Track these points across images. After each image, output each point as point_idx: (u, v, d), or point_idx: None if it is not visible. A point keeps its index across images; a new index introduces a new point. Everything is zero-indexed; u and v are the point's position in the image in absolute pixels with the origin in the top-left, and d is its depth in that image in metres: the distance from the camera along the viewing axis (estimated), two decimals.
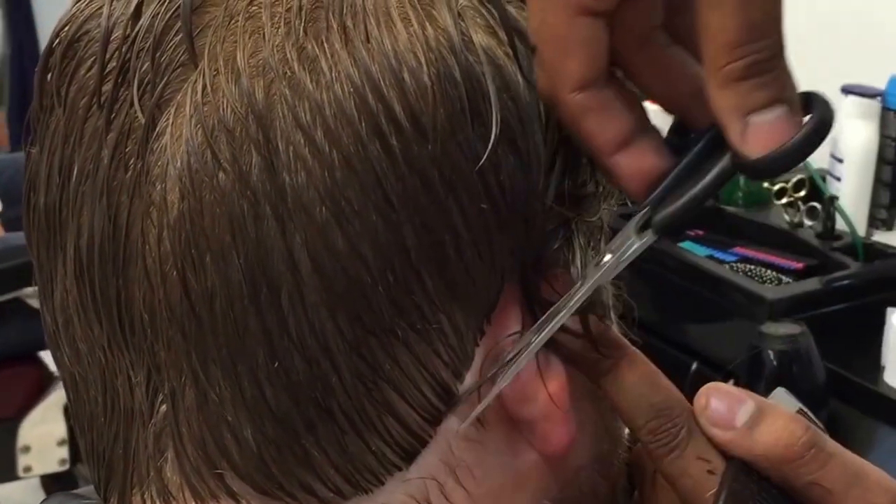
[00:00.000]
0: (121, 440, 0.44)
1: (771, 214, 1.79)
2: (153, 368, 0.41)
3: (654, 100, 0.42)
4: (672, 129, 0.43)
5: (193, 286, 0.39)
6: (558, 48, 0.39)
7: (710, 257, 1.70)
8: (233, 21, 0.40)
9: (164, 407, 0.42)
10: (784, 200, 1.77)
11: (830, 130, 0.38)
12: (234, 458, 0.41)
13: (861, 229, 1.69)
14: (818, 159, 1.76)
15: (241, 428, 0.40)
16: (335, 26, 0.39)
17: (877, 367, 1.48)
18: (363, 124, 0.38)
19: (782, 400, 0.46)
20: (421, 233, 0.39)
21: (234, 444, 0.41)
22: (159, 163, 0.40)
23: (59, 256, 0.43)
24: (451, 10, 0.40)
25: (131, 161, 0.40)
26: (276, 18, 0.39)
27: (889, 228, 1.74)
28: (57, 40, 0.44)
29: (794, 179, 1.77)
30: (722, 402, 0.43)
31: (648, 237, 0.41)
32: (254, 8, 0.40)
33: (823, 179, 1.74)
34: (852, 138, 1.71)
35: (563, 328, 0.42)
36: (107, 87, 0.41)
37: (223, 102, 0.39)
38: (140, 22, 0.41)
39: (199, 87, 0.39)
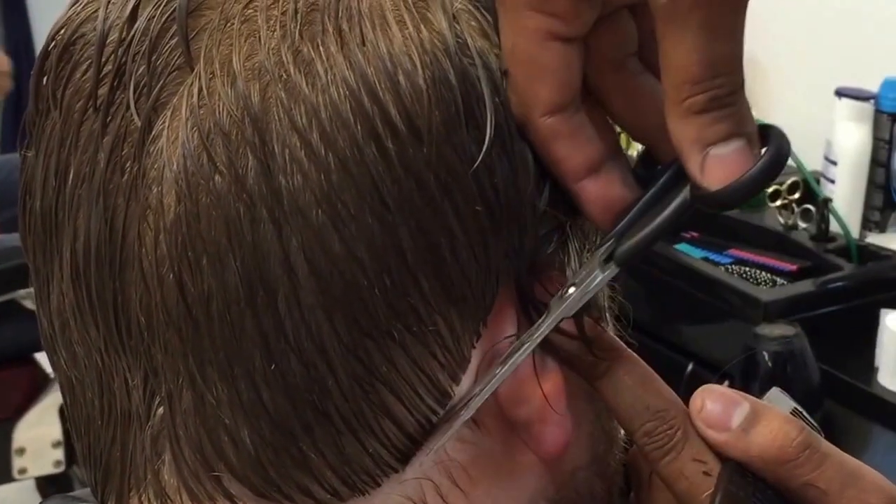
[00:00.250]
0: (118, 443, 0.44)
1: (765, 217, 1.79)
2: (150, 371, 0.41)
3: (624, 128, 0.43)
4: (640, 159, 0.43)
5: (190, 289, 0.39)
6: (529, 73, 0.40)
7: (706, 259, 1.70)
8: (228, 24, 0.40)
9: (161, 410, 0.42)
10: (778, 203, 1.77)
11: (786, 163, 0.39)
12: (232, 461, 0.41)
13: (855, 231, 1.70)
14: (812, 162, 1.76)
15: (238, 430, 0.40)
16: (331, 29, 0.39)
17: (870, 369, 1.49)
18: (359, 127, 0.38)
19: (777, 399, 0.46)
20: (417, 235, 0.39)
21: (231, 446, 0.41)
22: (155, 166, 0.40)
23: (55, 260, 0.43)
24: (445, 12, 0.40)
25: (127, 164, 0.40)
26: (272, 21, 0.39)
27: (882, 230, 1.74)
28: (53, 43, 0.44)
29: (789, 182, 1.78)
30: (717, 404, 0.43)
31: (611, 270, 0.41)
32: (249, 11, 0.40)
33: (817, 182, 1.75)
34: (846, 141, 1.72)
35: (558, 330, 0.42)
36: (103, 91, 0.41)
37: (219, 105, 0.39)
38: (136, 25, 0.41)
39: (195, 91, 0.39)
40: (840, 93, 1.72)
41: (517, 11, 0.39)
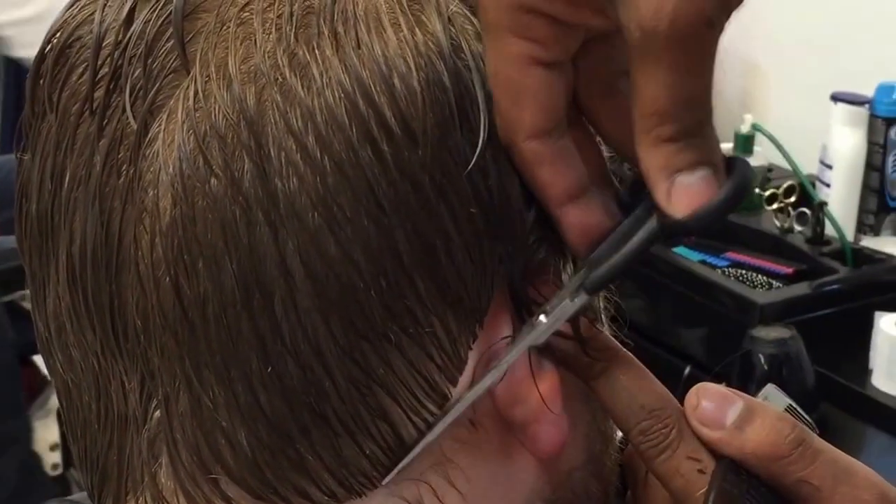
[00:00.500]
0: (115, 446, 0.44)
1: (762, 220, 1.79)
2: (147, 374, 0.42)
3: (613, 148, 0.43)
4: (629, 185, 0.43)
5: (186, 292, 0.39)
6: (511, 97, 0.40)
7: (703, 262, 1.70)
8: (224, 27, 0.40)
9: (157, 412, 0.42)
10: (774, 206, 1.77)
11: (751, 191, 0.39)
12: (229, 463, 0.41)
13: (850, 234, 1.70)
14: (808, 165, 1.77)
15: (235, 433, 0.40)
16: (326, 32, 0.39)
17: (865, 371, 1.49)
18: (354, 130, 0.38)
19: (773, 396, 0.46)
20: (412, 237, 0.39)
21: (229, 448, 0.41)
22: (151, 169, 0.40)
23: (51, 263, 0.44)
24: (440, 15, 0.40)
25: (123, 167, 0.40)
26: (268, 25, 0.40)
27: (877, 234, 1.74)
28: (49, 46, 0.44)
29: (785, 185, 1.78)
30: (712, 402, 0.44)
31: (580, 297, 0.41)
32: (245, 14, 0.40)
33: (813, 185, 1.75)
34: (841, 145, 1.72)
35: (554, 331, 0.42)
36: (99, 94, 0.41)
37: (215, 108, 0.39)
38: (132, 28, 0.41)
39: (191, 94, 0.39)
40: (836, 97, 1.72)
41: (499, 36, 0.39)
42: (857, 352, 1.51)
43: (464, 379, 0.42)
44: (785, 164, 1.79)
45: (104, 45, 0.42)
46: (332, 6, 0.40)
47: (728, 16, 0.35)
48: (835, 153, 1.72)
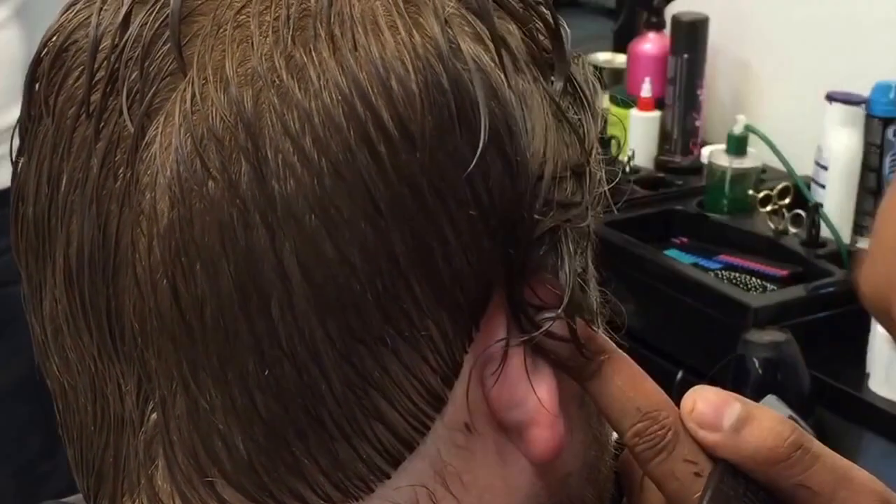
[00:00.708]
0: (111, 449, 0.44)
1: (756, 222, 1.79)
2: (143, 377, 0.41)
3: None
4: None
5: (183, 294, 0.39)
6: None
7: (695, 265, 1.70)
8: (221, 30, 0.40)
9: (154, 415, 0.42)
10: (769, 208, 1.77)
11: None
12: (225, 466, 0.41)
13: (846, 236, 1.70)
14: (803, 166, 1.77)
15: (232, 436, 0.40)
16: (323, 35, 0.39)
17: (862, 375, 1.49)
18: (351, 132, 0.38)
19: (772, 407, 0.46)
20: (409, 240, 0.39)
21: (225, 451, 0.41)
22: (148, 172, 0.40)
23: (48, 266, 0.43)
24: (438, 17, 0.40)
25: (120, 170, 0.40)
26: (265, 27, 0.40)
27: None
28: (45, 50, 0.44)
29: (779, 187, 1.78)
30: (709, 405, 0.44)
31: None
32: (242, 17, 0.40)
33: (808, 187, 1.75)
34: (837, 146, 1.71)
35: (549, 333, 0.42)
36: (95, 97, 0.41)
37: (212, 111, 0.39)
38: (128, 31, 0.41)
39: (188, 96, 0.39)
40: (831, 97, 1.72)
41: None
42: (853, 356, 1.50)
43: (460, 382, 0.42)
44: (779, 165, 1.79)
45: (101, 48, 0.42)
46: (329, 9, 0.40)
47: None
48: (830, 154, 1.72)
